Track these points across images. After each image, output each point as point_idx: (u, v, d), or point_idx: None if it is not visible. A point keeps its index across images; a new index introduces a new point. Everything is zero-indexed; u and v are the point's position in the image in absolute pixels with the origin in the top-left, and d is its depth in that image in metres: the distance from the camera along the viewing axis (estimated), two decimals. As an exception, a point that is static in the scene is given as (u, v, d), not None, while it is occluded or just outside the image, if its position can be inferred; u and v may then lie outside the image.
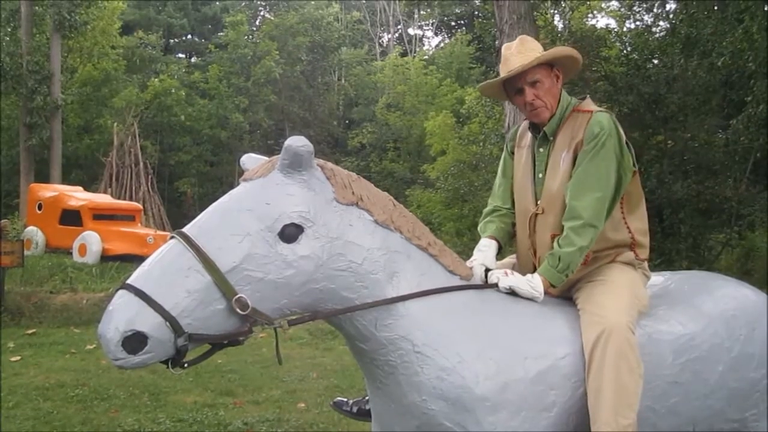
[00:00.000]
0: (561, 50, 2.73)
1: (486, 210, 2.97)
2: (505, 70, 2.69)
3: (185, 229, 2.07)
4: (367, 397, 2.88)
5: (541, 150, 2.73)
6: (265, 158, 2.31)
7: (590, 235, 2.50)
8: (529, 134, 2.81)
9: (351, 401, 3.00)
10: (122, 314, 1.90)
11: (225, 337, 2.05)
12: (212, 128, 30.25)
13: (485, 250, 2.71)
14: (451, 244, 12.29)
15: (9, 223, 15.06)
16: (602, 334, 2.32)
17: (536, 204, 2.70)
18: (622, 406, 2.27)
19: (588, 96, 2.80)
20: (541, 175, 2.71)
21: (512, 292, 2.48)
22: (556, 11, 14.62)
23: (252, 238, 2.04)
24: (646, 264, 2.75)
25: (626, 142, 2.61)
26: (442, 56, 34.63)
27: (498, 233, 2.83)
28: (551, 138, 2.70)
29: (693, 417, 2.57)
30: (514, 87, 2.69)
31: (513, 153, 2.92)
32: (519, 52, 2.66)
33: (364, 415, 2.89)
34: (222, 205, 2.15)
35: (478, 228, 2.94)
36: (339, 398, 3.09)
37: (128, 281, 1.97)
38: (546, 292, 2.51)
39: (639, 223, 2.71)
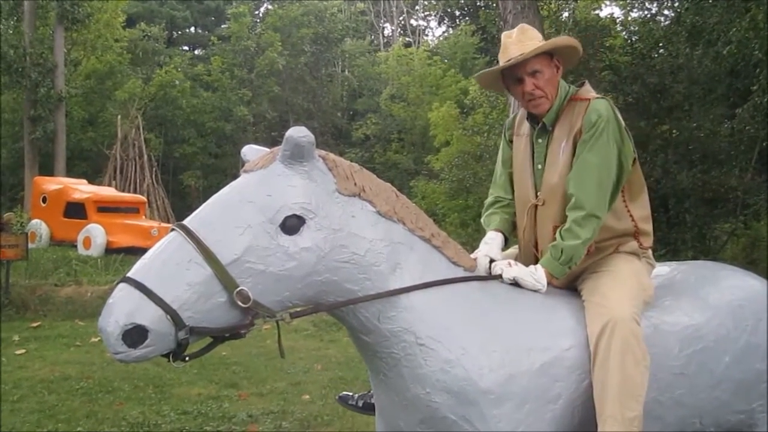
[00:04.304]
0: (561, 40, 2.69)
1: (488, 201, 2.93)
2: (504, 58, 2.62)
3: (186, 222, 2.05)
4: (372, 392, 2.87)
5: (540, 141, 2.69)
6: (266, 149, 2.28)
7: (593, 226, 2.48)
8: (527, 123, 2.77)
9: (356, 395, 2.98)
10: (122, 307, 1.89)
11: (226, 330, 2.03)
12: (216, 120, 30.26)
13: (491, 242, 2.68)
14: (455, 235, 12.28)
15: (13, 216, 15.07)
16: (607, 326, 2.30)
17: (536, 195, 2.67)
18: (628, 398, 2.24)
19: (586, 81, 2.74)
20: (540, 166, 2.67)
21: (516, 284, 2.46)
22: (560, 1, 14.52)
23: (253, 230, 2.01)
24: (650, 252, 2.72)
25: (625, 128, 2.57)
26: (446, 47, 34.56)
27: (502, 225, 2.79)
28: (550, 129, 2.66)
29: (699, 408, 2.55)
30: (513, 76, 2.63)
31: (511, 141, 2.87)
32: (519, 41, 2.60)
33: (370, 409, 2.86)
34: (223, 197, 2.12)
35: (482, 220, 2.91)
36: (344, 393, 3.07)
37: (128, 274, 1.95)
38: (549, 283, 2.49)
39: (641, 211, 2.68)
